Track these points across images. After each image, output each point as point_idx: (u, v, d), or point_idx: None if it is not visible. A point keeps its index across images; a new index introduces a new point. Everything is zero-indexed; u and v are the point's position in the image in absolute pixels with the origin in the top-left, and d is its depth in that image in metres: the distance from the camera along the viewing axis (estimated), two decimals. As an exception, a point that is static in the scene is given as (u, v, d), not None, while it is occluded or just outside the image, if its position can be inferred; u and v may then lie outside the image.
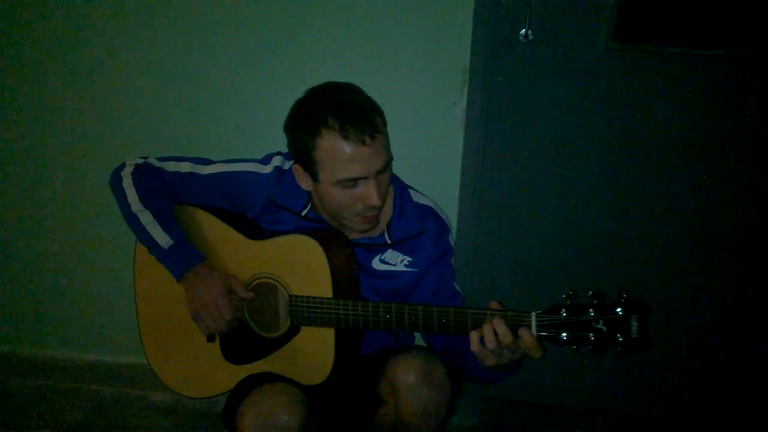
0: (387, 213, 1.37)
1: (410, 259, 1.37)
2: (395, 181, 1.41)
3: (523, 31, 1.56)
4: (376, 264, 1.37)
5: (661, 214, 1.69)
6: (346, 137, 1.17)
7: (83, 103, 1.77)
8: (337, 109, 1.19)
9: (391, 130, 1.65)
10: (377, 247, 1.36)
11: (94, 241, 1.91)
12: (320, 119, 1.19)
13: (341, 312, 1.25)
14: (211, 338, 1.40)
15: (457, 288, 1.41)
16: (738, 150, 1.62)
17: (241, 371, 1.37)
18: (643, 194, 1.69)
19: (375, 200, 1.21)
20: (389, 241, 1.35)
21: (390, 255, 1.37)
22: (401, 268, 1.37)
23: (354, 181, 1.21)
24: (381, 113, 1.26)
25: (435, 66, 1.61)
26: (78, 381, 2.06)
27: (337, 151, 1.18)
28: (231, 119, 1.73)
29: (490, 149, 1.68)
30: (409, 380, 1.22)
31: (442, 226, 1.40)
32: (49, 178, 1.87)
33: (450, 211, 1.70)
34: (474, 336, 1.12)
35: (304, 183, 1.30)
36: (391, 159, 1.26)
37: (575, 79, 1.60)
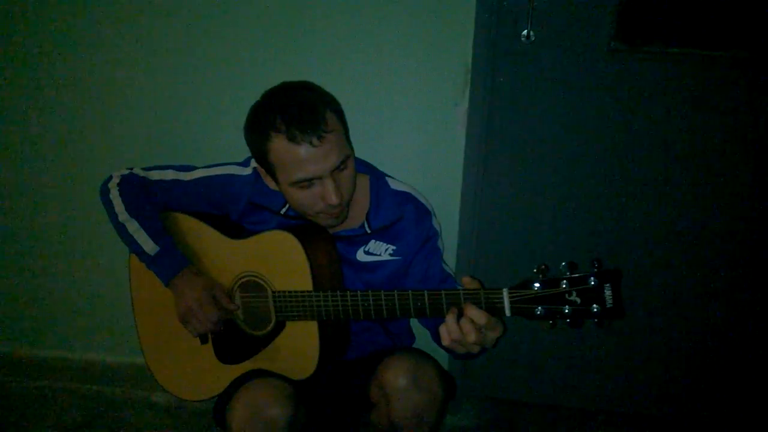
0: (364, 203, 1.37)
1: (394, 248, 1.37)
2: (371, 170, 1.41)
3: (525, 31, 1.56)
4: (360, 256, 1.37)
5: (662, 214, 1.69)
6: (293, 140, 1.17)
7: (83, 104, 1.78)
8: (284, 111, 1.19)
9: (393, 131, 1.66)
10: (358, 237, 1.36)
11: (94, 241, 1.91)
12: (269, 123, 1.19)
13: (322, 304, 1.25)
14: (204, 340, 1.40)
15: (447, 270, 1.41)
16: (739, 150, 1.62)
17: (235, 371, 1.37)
18: (644, 194, 1.69)
19: (333, 199, 1.21)
20: (369, 231, 1.35)
21: (373, 245, 1.37)
22: (386, 257, 1.37)
23: (309, 181, 1.21)
24: (335, 109, 1.24)
25: (437, 67, 1.61)
26: (78, 381, 2.06)
27: (287, 154, 1.18)
28: (231, 119, 1.72)
29: (491, 150, 1.68)
30: (399, 384, 1.21)
31: (422, 211, 1.39)
32: (49, 178, 1.87)
33: (452, 211, 1.70)
34: (443, 331, 1.11)
35: (270, 183, 1.31)
36: (347, 156, 1.24)
37: (577, 80, 1.60)
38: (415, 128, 1.67)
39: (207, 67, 1.69)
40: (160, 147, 1.77)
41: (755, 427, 1.85)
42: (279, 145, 1.19)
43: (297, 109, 1.19)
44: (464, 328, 1.10)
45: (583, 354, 1.85)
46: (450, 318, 1.11)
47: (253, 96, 1.68)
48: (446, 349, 1.18)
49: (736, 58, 1.55)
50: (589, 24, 1.55)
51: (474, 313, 1.10)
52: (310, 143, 1.17)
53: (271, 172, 1.26)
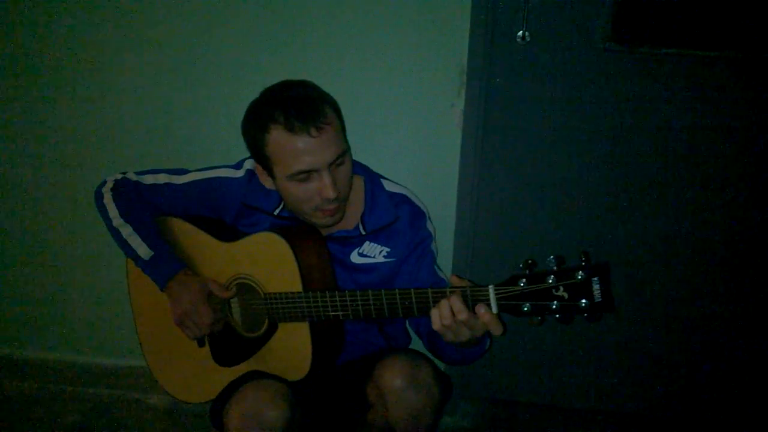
0: (359, 205, 1.36)
1: (388, 250, 1.37)
2: (365, 171, 1.41)
3: (521, 32, 1.56)
4: (354, 258, 1.37)
5: (658, 213, 1.70)
6: (291, 130, 1.18)
7: (83, 104, 1.78)
8: (283, 103, 1.20)
9: (390, 131, 1.67)
10: (352, 239, 1.36)
11: (93, 243, 1.91)
12: (267, 115, 1.21)
13: (311, 304, 1.25)
14: (201, 343, 1.41)
15: (441, 275, 1.40)
16: (733, 150, 1.62)
17: (232, 373, 1.37)
18: (640, 194, 1.69)
19: (330, 193, 1.21)
20: (364, 233, 1.35)
21: (368, 247, 1.37)
22: (380, 259, 1.37)
23: (306, 174, 1.21)
24: (333, 105, 1.26)
25: (432, 68, 1.61)
26: (76, 384, 2.07)
27: (285, 144, 1.19)
28: (230, 119, 1.72)
29: (487, 150, 1.69)
30: (396, 384, 1.21)
31: (418, 213, 1.40)
32: (49, 180, 1.88)
33: (448, 212, 1.70)
34: (435, 314, 1.11)
35: (267, 182, 1.31)
36: (345, 151, 1.25)
37: (572, 81, 1.61)
38: (411, 129, 1.67)
39: (205, 68, 1.69)
40: (159, 148, 1.78)
41: (755, 427, 1.85)
42: (277, 137, 1.20)
43: (296, 102, 1.20)
44: (453, 310, 1.09)
45: (581, 354, 1.85)
46: (437, 305, 1.11)
47: (251, 96, 1.68)
48: (438, 341, 1.15)
49: (730, 58, 1.55)
50: (584, 25, 1.56)
51: (457, 306, 1.09)
52: (309, 134, 1.18)
53: (268, 167, 1.26)
